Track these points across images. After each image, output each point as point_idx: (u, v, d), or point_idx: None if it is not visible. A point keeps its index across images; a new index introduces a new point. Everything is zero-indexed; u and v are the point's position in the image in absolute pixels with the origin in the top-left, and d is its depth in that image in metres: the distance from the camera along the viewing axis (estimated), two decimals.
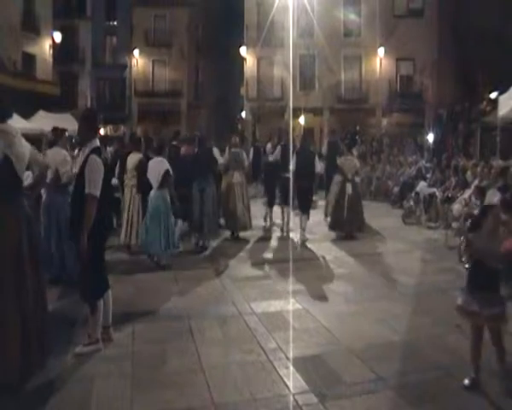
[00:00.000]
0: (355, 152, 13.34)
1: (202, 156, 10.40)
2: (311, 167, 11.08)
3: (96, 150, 5.18)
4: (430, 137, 26.87)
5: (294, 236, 11.39)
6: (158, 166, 8.68)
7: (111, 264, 8.56)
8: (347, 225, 11.43)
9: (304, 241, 10.88)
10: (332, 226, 11.75)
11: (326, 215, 13.05)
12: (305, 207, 11.21)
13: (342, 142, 14.15)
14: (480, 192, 9.67)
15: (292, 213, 12.17)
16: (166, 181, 8.63)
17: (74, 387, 4.57)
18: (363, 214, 12.05)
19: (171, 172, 8.68)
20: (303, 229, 11.09)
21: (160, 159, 8.84)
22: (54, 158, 7.68)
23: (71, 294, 6.60)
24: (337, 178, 12.07)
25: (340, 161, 11.91)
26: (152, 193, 8.69)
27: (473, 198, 9.96)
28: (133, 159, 9.66)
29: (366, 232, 12.01)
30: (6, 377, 4.42)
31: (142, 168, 9.24)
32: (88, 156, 5.12)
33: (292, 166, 11.11)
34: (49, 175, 7.27)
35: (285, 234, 11.78)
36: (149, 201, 8.71)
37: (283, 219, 12.01)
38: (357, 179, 12.38)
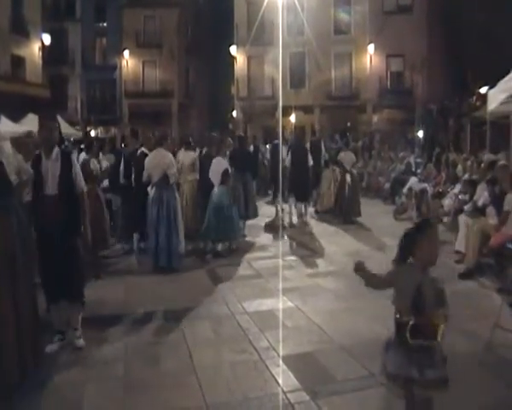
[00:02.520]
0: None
1: (242, 153, 11.78)
2: (305, 162, 12.65)
3: (68, 151, 5.76)
4: (420, 133, 26.96)
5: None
6: (218, 166, 9.72)
7: (102, 266, 8.66)
8: (348, 211, 12.99)
9: (305, 223, 12.74)
10: (332, 212, 13.45)
11: (317, 209, 14.40)
12: (304, 197, 12.86)
13: (341, 140, 16.08)
14: (470, 186, 9.71)
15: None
16: (226, 178, 9.66)
17: (66, 390, 4.55)
18: (360, 202, 13.46)
19: (229, 170, 9.79)
20: (305, 215, 12.90)
21: (219, 158, 9.91)
22: (159, 160, 8.51)
23: None
24: (336, 170, 13.72)
25: (340, 155, 13.61)
26: (215, 189, 9.65)
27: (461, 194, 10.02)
28: (188, 157, 10.74)
29: (357, 228, 12.07)
30: (5, 379, 4.40)
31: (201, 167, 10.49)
32: (67, 158, 5.34)
33: (287, 162, 12.72)
34: (156, 176, 8.42)
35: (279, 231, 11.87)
36: (212, 196, 9.62)
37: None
38: (355, 171, 13.83)
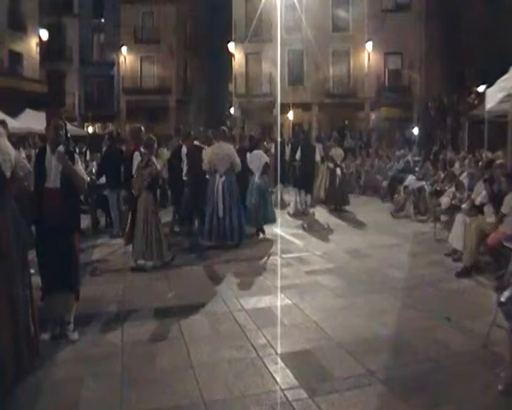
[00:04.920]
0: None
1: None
2: (312, 158, 14.29)
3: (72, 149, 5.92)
4: (418, 131, 26.97)
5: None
6: (260, 158, 10.87)
7: (101, 261, 8.66)
8: (338, 200, 14.62)
9: (308, 212, 14.11)
10: (325, 201, 15.22)
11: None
12: (308, 187, 14.45)
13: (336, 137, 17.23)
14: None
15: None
16: (267, 170, 10.92)
17: (63, 387, 4.52)
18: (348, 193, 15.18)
19: (269, 163, 11.06)
20: (308, 204, 14.38)
21: (260, 152, 11.14)
22: (225, 152, 9.55)
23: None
24: (329, 165, 15.15)
25: (331, 151, 15.12)
26: (256, 179, 10.79)
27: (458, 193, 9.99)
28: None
29: (355, 226, 12.08)
30: (1, 378, 4.35)
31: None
32: (71, 155, 5.54)
33: (297, 157, 14.51)
34: (222, 167, 9.49)
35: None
36: (254, 185, 10.79)
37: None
38: (344, 165, 15.48)
